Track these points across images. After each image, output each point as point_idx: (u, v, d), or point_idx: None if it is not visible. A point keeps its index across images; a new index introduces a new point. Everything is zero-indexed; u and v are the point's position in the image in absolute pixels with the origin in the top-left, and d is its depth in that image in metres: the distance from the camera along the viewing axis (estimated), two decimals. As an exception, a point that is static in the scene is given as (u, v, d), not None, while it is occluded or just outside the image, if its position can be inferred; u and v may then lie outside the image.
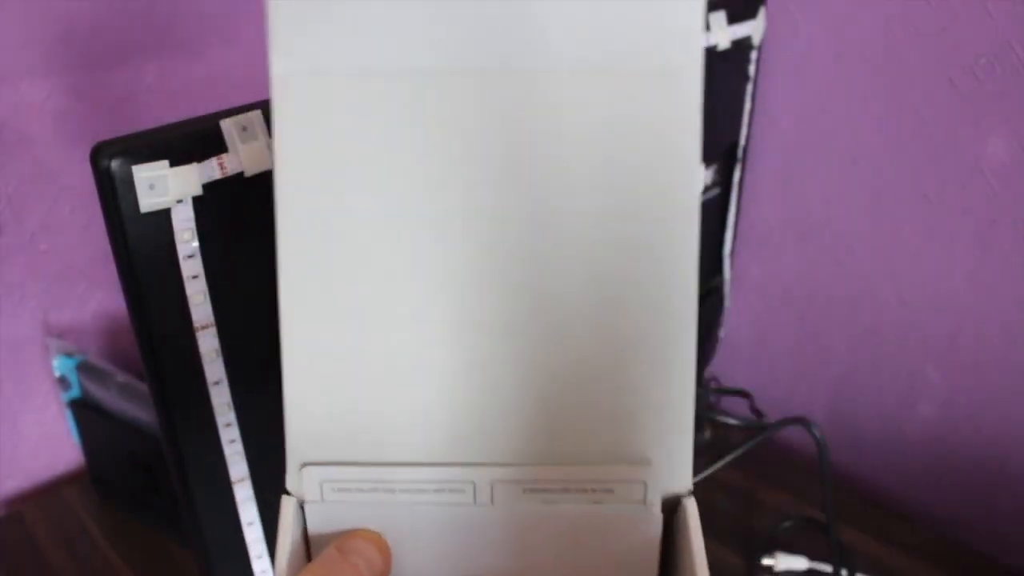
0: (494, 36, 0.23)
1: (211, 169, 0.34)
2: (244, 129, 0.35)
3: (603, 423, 0.26)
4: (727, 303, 0.76)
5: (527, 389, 0.26)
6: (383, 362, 0.26)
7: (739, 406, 0.71)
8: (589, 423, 0.26)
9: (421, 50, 0.23)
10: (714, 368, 0.79)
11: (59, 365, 0.63)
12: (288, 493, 0.26)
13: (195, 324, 0.36)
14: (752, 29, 0.62)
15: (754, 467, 0.67)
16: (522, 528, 0.27)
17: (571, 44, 0.23)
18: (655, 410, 0.26)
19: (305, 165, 0.24)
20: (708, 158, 0.64)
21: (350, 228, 0.25)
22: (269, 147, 0.35)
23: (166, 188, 0.33)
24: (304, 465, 0.26)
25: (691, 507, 0.26)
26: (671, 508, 0.27)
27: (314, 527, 0.27)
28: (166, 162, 0.33)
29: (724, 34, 0.58)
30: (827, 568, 0.59)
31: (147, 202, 0.33)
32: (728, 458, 0.59)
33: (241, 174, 0.35)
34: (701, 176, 0.23)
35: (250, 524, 0.42)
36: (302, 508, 0.27)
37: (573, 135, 0.24)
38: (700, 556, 0.24)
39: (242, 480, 0.41)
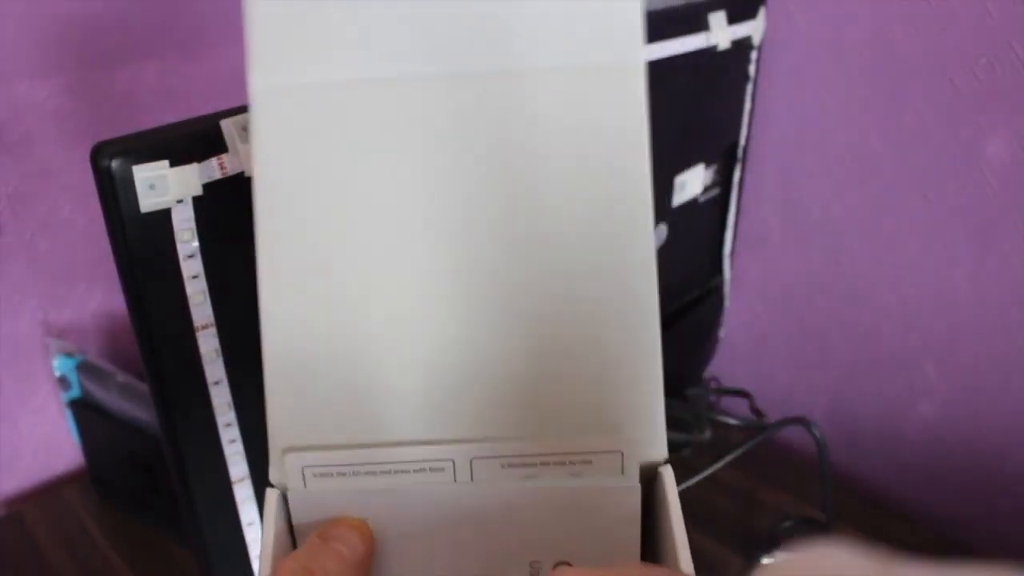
0: (463, 41, 0.24)
1: (211, 169, 0.34)
2: (244, 129, 0.35)
3: (578, 397, 0.27)
4: (727, 303, 0.76)
5: (504, 367, 0.26)
6: (362, 346, 0.26)
7: (739, 406, 0.71)
8: (565, 397, 0.27)
9: (392, 58, 0.24)
10: (714, 368, 0.79)
11: (59, 365, 0.63)
12: (271, 486, 0.27)
13: (195, 324, 0.36)
14: (752, 29, 0.62)
15: (754, 467, 0.67)
16: (503, 505, 0.27)
17: (531, 44, 0.24)
18: (626, 382, 0.26)
19: (285, 175, 0.25)
20: (708, 158, 0.64)
21: (327, 227, 0.25)
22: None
23: (166, 188, 0.33)
24: (286, 451, 0.26)
25: (668, 475, 0.27)
26: (649, 478, 0.27)
27: (298, 516, 0.27)
28: (166, 162, 0.33)
29: (724, 34, 0.58)
30: (827, 568, 0.59)
31: (147, 202, 0.33)
32: (728, 458, 0.59)
33: (241, 174, 0.35)
34: (648, 163, 0.24)
35: (250, 524, 0.42)
36: (285, 499, 0.27)
37: (537, 132, 0.25)
38: (679, 523, 0.25)
39: (242, 480, 0.41)
